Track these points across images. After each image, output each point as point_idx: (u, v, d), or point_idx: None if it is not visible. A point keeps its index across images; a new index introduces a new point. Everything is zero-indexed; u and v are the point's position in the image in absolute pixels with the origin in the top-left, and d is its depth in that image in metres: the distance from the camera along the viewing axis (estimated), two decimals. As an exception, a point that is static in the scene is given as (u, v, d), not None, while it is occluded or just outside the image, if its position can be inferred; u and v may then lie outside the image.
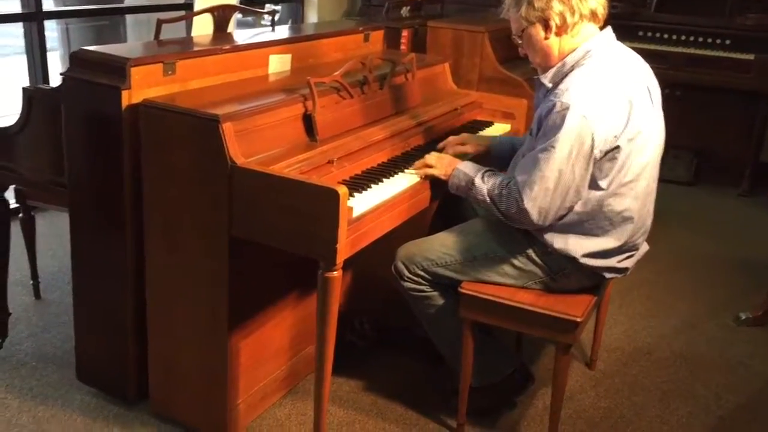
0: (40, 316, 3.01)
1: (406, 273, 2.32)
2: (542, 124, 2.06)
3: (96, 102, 2.17)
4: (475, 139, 2.61)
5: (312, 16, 6.04)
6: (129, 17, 5.75)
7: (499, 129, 3.05)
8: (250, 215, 2.02)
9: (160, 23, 2.53)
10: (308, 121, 2.31)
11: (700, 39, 4.93)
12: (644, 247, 2.28)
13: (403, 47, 3.71)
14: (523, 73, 3.62)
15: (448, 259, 2.26)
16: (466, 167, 2.25)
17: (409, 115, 2.72)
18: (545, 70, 2.18)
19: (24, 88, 2.43)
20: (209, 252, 2.11)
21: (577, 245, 2.13)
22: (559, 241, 2.14)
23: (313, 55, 2.91)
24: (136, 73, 2.13)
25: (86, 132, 2.22)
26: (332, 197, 1.88)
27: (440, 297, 2.34)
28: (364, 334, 2.84)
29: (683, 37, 4.94)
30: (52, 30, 7.06)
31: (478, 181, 2.18)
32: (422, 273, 2.30)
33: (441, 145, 2.57)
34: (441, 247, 2.28)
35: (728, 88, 4.82)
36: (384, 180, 2.28)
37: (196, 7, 2.73)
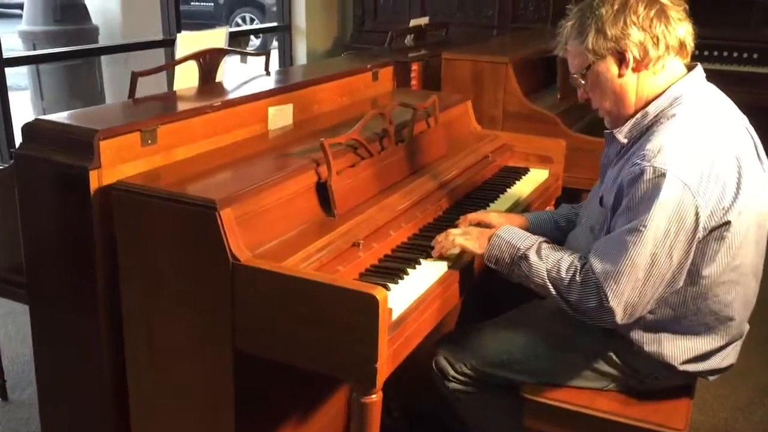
0: (7, 423, 2.53)
1: (451, 372, 1.89)
2: (624, 195, 1.62)
3: (58, 186, 1.72)
4: (503, 218, 2.02)
5: (301, 46, 5.63)
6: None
7: (536, 177, 2.63)
8: (260, 326, 1.57)
9: (135, 77, 2.09)
10: (323, 191, 1.88)
11: (725, 53, 4.55)
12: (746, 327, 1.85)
13: (413, 83, 3.28)
14: (551, 106, 3.21)
15: (505, 357, 1.82)
16: (510, 234, 1.78)
17: (436, 171, 2.29)
18: (618, 119, 1.75)
19: (-32, 168, 1.98)
20: (208, 372, 1.66)
21: (674, 349, 1.70)
22: (650, 343, 1.70)
23: (317, 101, 2.48)
24: (107, 147, 1.68)
25: (47, 223, 1.77)
26: (369, 304, 1.44)
27: (493, 399, 1.90)
28: (392, 422, 2.40)
29: (707, 53, 4.56)
30: (20, 70, 6.62)
31: (533, 256, 1.71)
32: (471, 372, 1.87)
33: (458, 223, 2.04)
34: (495, 341, 1.84)
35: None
36: (421, 261, 1.84)
37: (178, 54, 2.29)
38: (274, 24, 6.16)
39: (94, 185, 1.67)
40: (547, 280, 1.68)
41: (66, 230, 1.74)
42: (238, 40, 6.75)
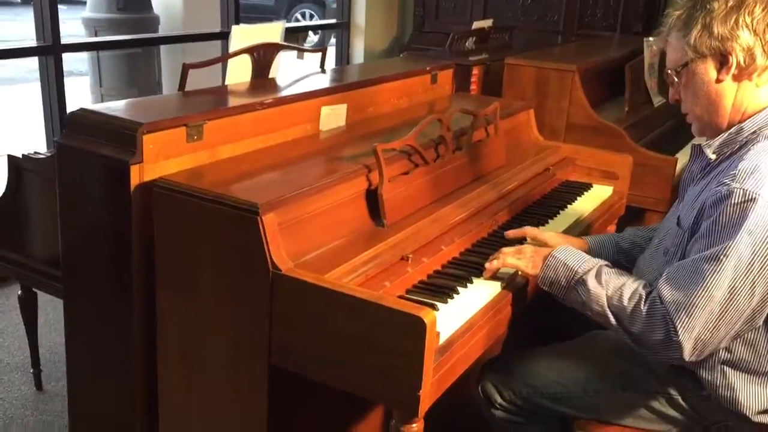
0: (39, 414, 2.49)
1: (499, 399, 1.75)
2: (704, 217, 1.47)
3: (98, 179, 1.65)
4: (560, 238, 1.88)
5: (359, 44, 5.54)
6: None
7: (599, 193, 2.47)
8: (298, 342, 1.47)
9: (185, 69, 2.02)
10: (373, 198, 1.77)
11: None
12: None
13: (473, 88, 3.16)
14: (617, 119, 3.04)
15: (559, 389, 1.68)
16: (568, 255, 1.64)
17: (494, 183, 2.16)
18: (706, 129, 1.59)
19: (10, 157, 1.93)
20: (241, 385, 1.56)
21: (749, 396, 1.53)
22: (723, 388, 1.54)
23: (373, 103, 2.38)
24: (150, 141, 1.61)
25: (86, 216, 1.70)
26: (416, 326, 1.33)
27: (543, 431, 1.77)
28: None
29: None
30: (82, 55, 6.68)
31: (591, 280, 1.56)
32: (521, 402, 1.73)
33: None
34: (550, 372, 1.71)
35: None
36: (473, 280, 1.72)
37: (232, 47, 2.22)
38: (333, 21, 6.09)
39: (135, 181, 1.59)
40: (607, 308, 1.53)
41: (104, 225, 1.68)
42: (296, 35, 6.68)
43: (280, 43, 2.34)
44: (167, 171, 1.65)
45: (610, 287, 1.54)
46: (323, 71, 2.52)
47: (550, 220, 2.17)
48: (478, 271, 1.75)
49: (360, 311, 1.38)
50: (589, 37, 4.68)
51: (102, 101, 5.43)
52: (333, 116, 2.17)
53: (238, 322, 1.53)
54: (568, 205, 2.32)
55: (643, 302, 1.49)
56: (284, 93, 2.09)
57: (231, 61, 2.20)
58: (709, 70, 1.52)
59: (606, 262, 1.62)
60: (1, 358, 2.81)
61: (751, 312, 1.43)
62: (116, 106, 1.72)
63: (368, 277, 1.55)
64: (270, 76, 2.36)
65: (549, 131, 2.94)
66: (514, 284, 1.74)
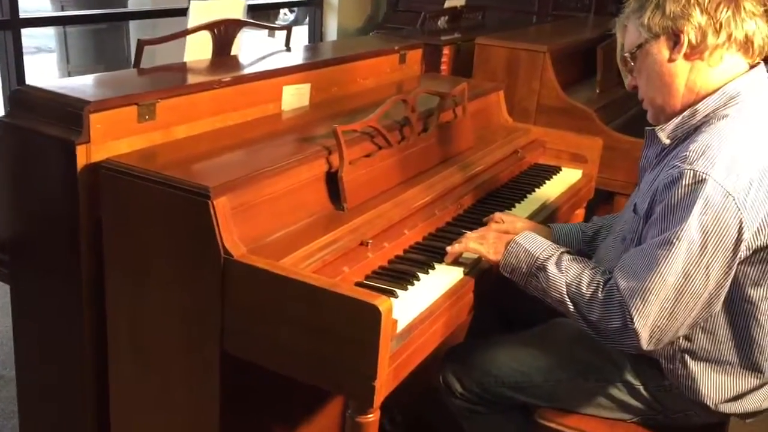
0: (-6, 400, 2.43)
1: (460, 389, 1.72)
2: (658, 202, 1.44)
3: (44, 160, 1.58)
4: (525, 225, 1.84)
5: (332, 23, 5.45)
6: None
7: (568, 177, 2.44)
8: (251, 329, 1.42)
9: (140, 46, 1.95)
10: (333, 181, 1.72)
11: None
12: None
13: (443, 68, 3.10)
14: (589, 100, 3.00)
15: (520, 379, 1.65)
16: (530, 241, 1.61)
17: (461, 165, 2.11)
18: (662, 113, 1.56)
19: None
20: (193, 373, 1.51)
21: (711, 386, 1.51)
22: (684, 376, 1.52)
23: (338, 83, 2.31)
24: (97, 120, 1.54)
25: (31, 198, 1.63)
26: (371, 315, 1.28)
27: (504, 420, 1.74)
28: (394, 430, 2.25)
29: None
30: (49, 32, 6.51)
31: (551, 267, 1.53)
32: (481, 392, 1.70)
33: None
34: (510, 360, 1.67)
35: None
36: (435, 265, 1.68)
37: (190, 22, 2.14)
38: (305, -2, 5.98)
39: (81, 161, 1.52)
40: (566, 295, 1.50)
41: (51, 208, 1.61)
42: (267, 12, 6.57)
43: (242, 19, 2.26)
44: (117, 152, 1.59)
45: (569, 274, 1.51)
46: (288, 49, 2.45)
47: (517, 204, 2.13)
48: (441, 257, 1.71)
49: (313, 299, 1.33)
50: (564, 17, 4.64)
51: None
52: (296, 96, 2.11)
53: (190, 309, 1.48)
54: (536, 189, 2.28)
55: (600, 289, 1.46)
56: (245, 71, 2.02)
57: (189, 38, 2.13)
58: (662, 49, 1.49)
59: (568, 249, 1.59)
60: (-44, 342, 2.73)
61: (707, 297, 1.40)
62: (64, 84, 1.65)
63: (325, 263, 1.50)
64: (232, 53, 2.29)
65: (520, 113, 2.90)
66: (476, 270, 1.70)
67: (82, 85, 1.67)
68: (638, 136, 2.92)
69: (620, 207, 2.81)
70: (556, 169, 2.47)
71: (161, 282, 1.50)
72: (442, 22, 3.61)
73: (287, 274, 1.36)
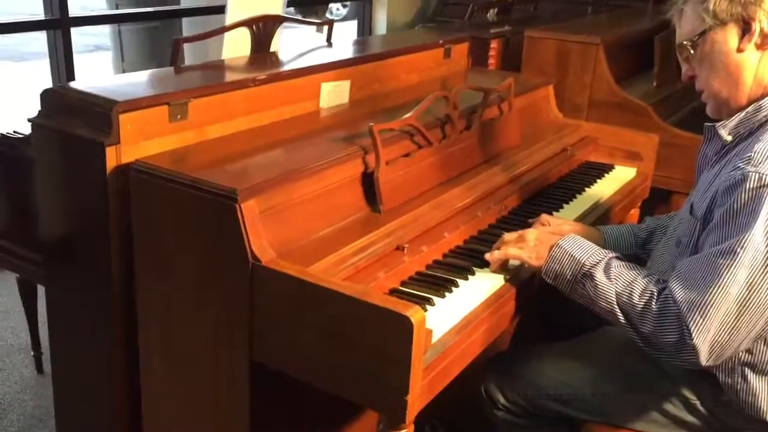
0: (38, 399, 2.44)
1: (502, 400, 1.64)
2: (718, 206, 1.34)
3: (74, 161, 1.56)
4: (572, 227, 1.73)
5: (381, 17, 5.38)
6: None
7: (621, 175, 2.32)
8: (280, 337, 1.37)
9: (177, 44, 1.91)
10: (369, 182, 1.65)
11: None
12: None
13: (491, 62, 3.00)
14: (645, 94, 2.86)
15: (566, 391, 1.56)
16: (575, 245, 1.49)
17: (505, 164, 2.03)
18: (724, 107, 1.44)
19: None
20: (221, 380, 1.47)
21: None
22: (744, 391, 1.41)
23: (379, 79, 2.25)
24: (127, 121, 1.50)
25: (63, 200, 1.61)
26: (402, 326, 1.21)
27: (549, 434, 1.65)
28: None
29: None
30: (106, 30, 6.60)
31: (599, 274, 1.42)
32: (525, 404, 1.61)
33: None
34: (556, 372, 1.58)
35: None
36: (475, 271, 1.60)
37: (228, 19, 2.10)
38: (355, -8, 5.93)
39: (111, 163, 1.49)
40: (616, 306, 1.40)
41: (82, 210, 1.58)
42: (314, 8, 6.51)
43: (281, 15, 2.21)
44: (148, 152, 1.55)
45: (619, 282, 1.41)
46: (330, 45, 2.40)
47: (565, 205, 2.03)
48: (482, 261, 1.63)
49: (343, 308, 1.27)
50: (622, 7, 4.46)
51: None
52: (334, 93, 2.05)
53: (218, 315, 1.43)
54: (587, 188, 2.18)
55: (654, 300, 1.35)
56: (281, 69, 1.97)
57: (227, 36, 2.09)
58: (729, 38, 1.37)
59: (616, 254, 1.48)
60: (5, 338, 2.77)
61: None
62: (95, 83, 1.61)
63: (359, 268, 1.44)
64: (271, 50, 2.25)
65: (571, 108, 2.77)
66: (519, 277, 1.61)
67: (114, 84, 1.64)
68: (698, 131, 2.76)
69: (678, 207, 2.68)
70: (608, 168, 2.35)
71: (189, 286, 1.46)
72: (491, 14, 3.50)
73: (316, 282, 1.30)
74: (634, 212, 2.42)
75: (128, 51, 5.71)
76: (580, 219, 1.98)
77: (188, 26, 5.40)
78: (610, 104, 2.77)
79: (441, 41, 2.52)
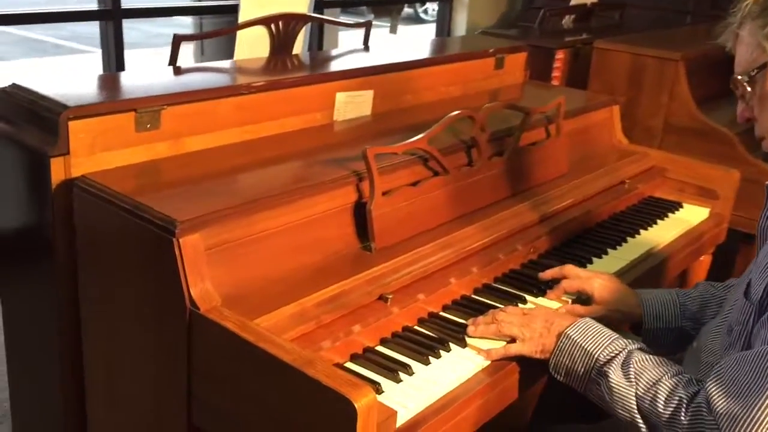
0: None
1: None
2: None
3: (19, 172, 1.37)
4: (606, 290, 1.41)
5: (461, 20, 5.09)
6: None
7: (689, 216, 1.97)
8: (220, 405, 1.14)
9: (176, 41, 1.71)
10: (363, 214, 1.40)
11: None
12: None
13: (555, 75, 2.68)
14: (731, 121, 2.48)
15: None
16: (586, 334, 1.20)
17: (544, 197, 1.73)
18: None
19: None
20: (160, 441, 1.25)
21: None
22: None
23: (412, 90, 1.99)
24: (80, 129, 1.31)
25: (9, 214, 1.43)
26: (343, 410, 0.96)
27: None
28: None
29: None
30: (185, 22, 6.59)
31: (616, 373, 1.14)
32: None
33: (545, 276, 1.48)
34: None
35: None
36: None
37: (242, 17, 1.89)
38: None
39: (58, 176, 1.30)
40: (636, 412, 1.11)
41: (27, 227, 1.40)
42: (388, 8, 6.22)
43: (305, 14, 1.99)
44: (109, 165, 1.36)
45: (641, 383, 1.12)
46: (366, 49, 2.15)
47: (611, 250, 1.71)
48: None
49: (282, 378, 1.03)
50: (722, 18, 4.01)
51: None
52: (352, 105, 1.81)
53: (157, 365, 1.22)
54: (643, 230, 1.84)
55: (684, 408, 1.06)
56: (288, 75, 1.74)
57: (240, 35, 1.88)
58: None
59: (639, 345, 1.18)
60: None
61: None
62: (56, 83, 1.42)
63: (319, 324, 1.19)
64: (294, 52, 2.03)
65: (642, 133, 2.43)
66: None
67: (75, 85, 1.44)
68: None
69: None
70: (675, 206, 2.00)
71: (130, 324, 1.26)
72: (566, 21, 3.16)
73: (254, 341, 1.06)
74: (705, 259, 2.07)
75: (208, 44, 5.67)
76: (629, 268, 1.67)
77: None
78: (688, 130, 2.40)
79: (492, 50, 2.23)
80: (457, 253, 1.45)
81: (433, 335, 1.30)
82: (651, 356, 1.15)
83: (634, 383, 1.11)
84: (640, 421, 1.10)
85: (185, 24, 8.33)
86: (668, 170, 2.10)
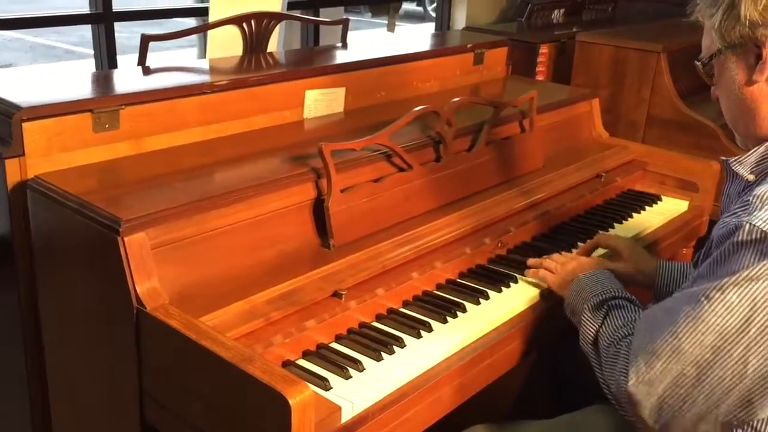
0: None
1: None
2: (713, 251, 1.05)
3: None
4: (629, 249, 1.54)
5: (460, 16, 5.07)
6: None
7: (667, 209, 1.95)
8: (170, 403, 1.14)
9: (144, 42, 1.72)
10: (322, 211, 1.39)
11: None
12: None
13: (539, 70, 2.66)
14: (715, 114, 2.45)
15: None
16: (591, 280, 1.32)
17: (516, 191, 1.72)
18: (749, 141, 1.14)
19: None
20: (115, 439, 1.26)
21: None
22: None
23: (387, 87, 1.98)
24: (35, 130, 1.31)
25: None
26: (278, 407, 0.96)
27: None
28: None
29: None
30: (188, 24, 6.61)
31: (587, 312, 1.24)
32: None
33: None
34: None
35: None
36: (434, 327, 1.31)
37: (212, 16, 1.89)
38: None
39: (13, 177, 1.31)
40: (590, 345, 1.22)
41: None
42: (386, 6, 6.19)
43: (278, 12, 1.99)
44: (68, 165, 1.36)
45: (610, 323, 1.20)
46: (344, 46, 2.15)
47: (581, 244, 1.69)
48: (451, 312, 1.34)
49: (224, 375, 1.03)
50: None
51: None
52: (323, 102, 1.81)
53: (111, 366, 1.22)
54: (619, 224, 1.82)
55: (615, 342, 1.15)
56: (255, 73, 1.74)
57: (211, 35, 1.89)
58: (740, 67, 1.07)
59: (631, 297, 1.27)
60: None
61: (743, 392, 0.98)
62: (11, 83, 1.43)
63: (268, 322, 1.18)
64: (269, 50, 2.03)
65: (625, 127, 2.40)
66: (494, 334, 1.32)
67: (34, 86, 1.45)
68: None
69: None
70: (653, 199, 1.98)
71: (84, 325, 1.26)
72: (556, 15, 3.14)
73: (196, 338, 1.06)
74: (687, 252, 2.05)
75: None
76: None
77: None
78: (671, 123, 2.37)
79: (469, 45, 2.22)
80: (418, 248, 1.44)
81: (390, 331, 1.29)
82: (632, 301, 1.24)
83: (606, 322, 1.20)
84: (593, 354, 1.19)
85: (188, 26, 8.37)
86: (649, 163, 2.08)
